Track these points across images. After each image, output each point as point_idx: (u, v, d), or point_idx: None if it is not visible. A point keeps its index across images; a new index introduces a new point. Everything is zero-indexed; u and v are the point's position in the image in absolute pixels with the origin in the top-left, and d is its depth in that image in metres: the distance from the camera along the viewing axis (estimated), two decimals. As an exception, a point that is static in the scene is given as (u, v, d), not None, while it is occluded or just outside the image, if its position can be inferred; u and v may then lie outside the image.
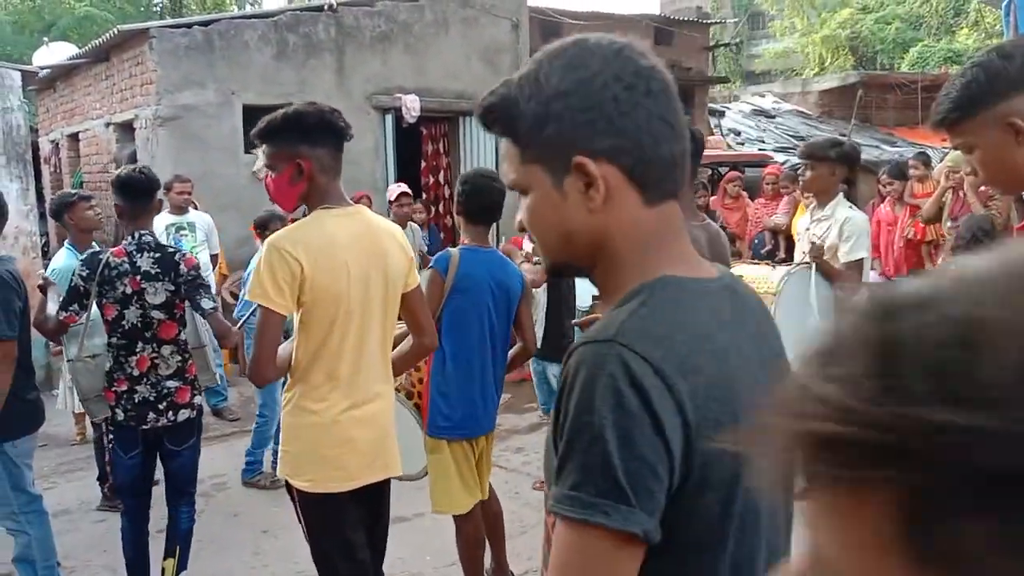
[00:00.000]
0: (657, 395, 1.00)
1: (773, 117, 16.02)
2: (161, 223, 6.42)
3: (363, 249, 2.72)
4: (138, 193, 3.65)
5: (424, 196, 10.68)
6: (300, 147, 2.64)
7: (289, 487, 2.84)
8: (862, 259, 4.25)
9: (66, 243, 5.02)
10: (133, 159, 9.36)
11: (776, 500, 1.10)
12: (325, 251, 2.63)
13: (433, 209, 10.74)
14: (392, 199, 7.64)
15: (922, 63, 24.41)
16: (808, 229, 4.41)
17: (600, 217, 1.11)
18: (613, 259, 1.13)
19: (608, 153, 1.09)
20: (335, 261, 2.64)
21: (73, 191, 5.57)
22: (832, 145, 4.36)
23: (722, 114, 15.77)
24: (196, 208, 7.28)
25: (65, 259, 4.81)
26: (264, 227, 5.81)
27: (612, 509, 0.98)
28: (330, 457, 2.74)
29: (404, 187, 7.85)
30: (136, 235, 3.63)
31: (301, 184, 2.67)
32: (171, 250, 3.72)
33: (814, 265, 4.16)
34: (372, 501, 2.91)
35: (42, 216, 8.54)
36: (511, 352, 3.74)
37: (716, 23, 18.10)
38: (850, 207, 4.33)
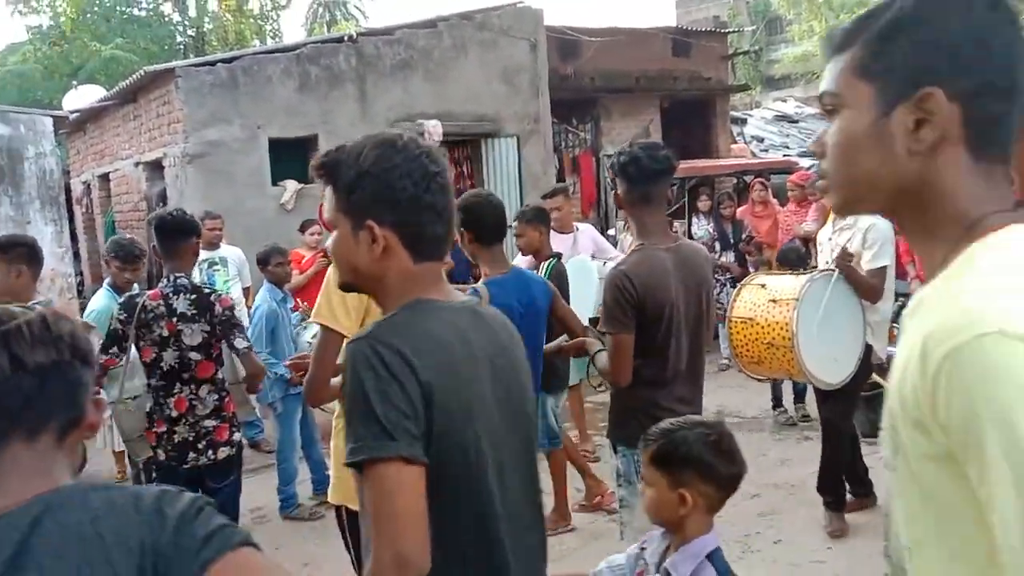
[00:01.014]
0: (398, 367, 1.46)
1: (796, 122, 15.93)
2: (194, 259, 6.52)
3: None
4: (170, 234, 3.73)
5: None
6: None
7: (339, 514, 2.85)
8: (885, 266, 4.25)
9: (105, 283, 5.09)
10: (163, 197, 9.53)
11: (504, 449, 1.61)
12: None
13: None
14: None
15: (945, 59, 24.07)
16: (831, 239, 4.40)
17: (379, 264, 1.57)
18: (386, 292, 1.61)
19: (391, 223, 1.55)
20: None
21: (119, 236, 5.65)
22: (853, 153, 4.35)
23: (744, 121, 15.69)
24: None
25: (104, 300, 4.89)
26: (265, 262, 5.77)
27: (384, 446, 1.43)
28: None
29: None
30: (172, 277, 3.71)
31: None
32: (207, 291, 3.79)
33: (835, 272, 4.16)
34: None
35: (75, 256, 8.70)
36: (553, 345, 3.61)
37: (734, 31, 18.04)
38: (873, 214, 4.32)
